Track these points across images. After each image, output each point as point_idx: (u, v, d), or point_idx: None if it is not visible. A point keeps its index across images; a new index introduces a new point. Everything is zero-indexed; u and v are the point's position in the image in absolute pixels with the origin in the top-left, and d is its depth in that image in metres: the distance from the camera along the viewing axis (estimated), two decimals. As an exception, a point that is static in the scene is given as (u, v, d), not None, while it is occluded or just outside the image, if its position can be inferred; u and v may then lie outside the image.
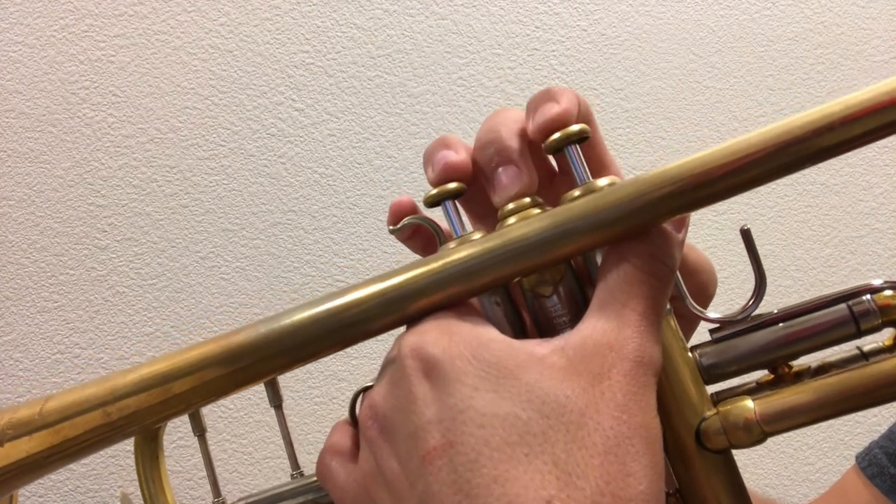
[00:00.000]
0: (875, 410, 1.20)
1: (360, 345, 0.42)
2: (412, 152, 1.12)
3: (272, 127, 1.09)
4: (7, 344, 1.01)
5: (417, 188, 1.11)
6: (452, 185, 0.43)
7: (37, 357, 1.01)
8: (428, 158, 0.45)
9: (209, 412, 1.01)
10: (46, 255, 1.02)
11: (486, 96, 1.15)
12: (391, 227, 0.46)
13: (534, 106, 0.43)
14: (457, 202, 0.44)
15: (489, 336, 0.37)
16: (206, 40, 1.09)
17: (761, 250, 0.40)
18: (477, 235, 0.41)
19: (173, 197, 1.06)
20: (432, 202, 0.44)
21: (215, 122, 1.08)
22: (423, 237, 0.48)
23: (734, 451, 0.39)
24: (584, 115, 0.44)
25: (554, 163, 0.42)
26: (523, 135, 0.43)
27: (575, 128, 0.42)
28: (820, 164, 0.36)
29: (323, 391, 1.06)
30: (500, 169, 0.43)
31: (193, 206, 1.06)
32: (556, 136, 0.42)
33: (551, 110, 0.42)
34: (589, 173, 0.41)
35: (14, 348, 1.01)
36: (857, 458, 0.72)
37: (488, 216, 0.46)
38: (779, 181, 0.37)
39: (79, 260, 1.03)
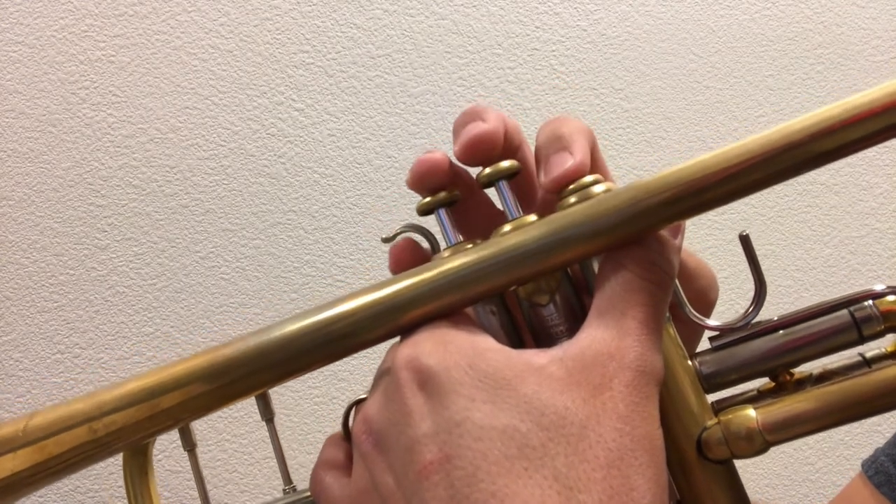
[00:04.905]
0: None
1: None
2: (412, 152, 1.12)
3: (272, 127, 1.09)
4: (7, 344, 1.00)
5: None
6: (447, 194, 0.43)
7: (37, 357, 1.01)
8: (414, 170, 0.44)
9: (209, 412, 1.01)
10: (46, 255, 1.02)
11: (486, 96, 1.15)
12: (384, 237, 0.45)
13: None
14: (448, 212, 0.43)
15: (485, 345, 0.36)
16: (206, 40, 1.09)
17: (762, 250, 0.39)
18: (470, 245, 0.41)
19: (173, 197, 1.06)
20: (425, 210, 0.43)
21: (215, 122, 1.08)
22: (415, 257, 0.46)
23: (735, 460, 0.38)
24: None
25: (543, 176, 0.41)
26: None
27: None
28: (819, 164, 0.36)
29: (323, 391, 1.06)
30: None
31: (193, 206, 1.06)
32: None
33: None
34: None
35: (14, 348, 1.01)
36: (862, 465, 0.71)
37: (485, 233, 0.45)
38: (778, 180, 0.36)
39: (79, 260, 1.03)
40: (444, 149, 0.44)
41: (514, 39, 1.17)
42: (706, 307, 0.46)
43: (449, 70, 1.15)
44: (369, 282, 1.07)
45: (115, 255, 1.04)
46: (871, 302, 0.38)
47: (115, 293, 1.03)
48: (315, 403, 1.06)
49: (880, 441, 0.71)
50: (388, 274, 0.42)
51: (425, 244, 0.45)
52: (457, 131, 0.43)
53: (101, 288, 1.03)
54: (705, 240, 1.15)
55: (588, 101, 1.18)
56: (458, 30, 1.16)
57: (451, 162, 0.44)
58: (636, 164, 1.18)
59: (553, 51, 1.18)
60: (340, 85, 1.12)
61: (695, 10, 1.23)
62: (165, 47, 1.08)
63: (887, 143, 0.35)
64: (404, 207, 1.11)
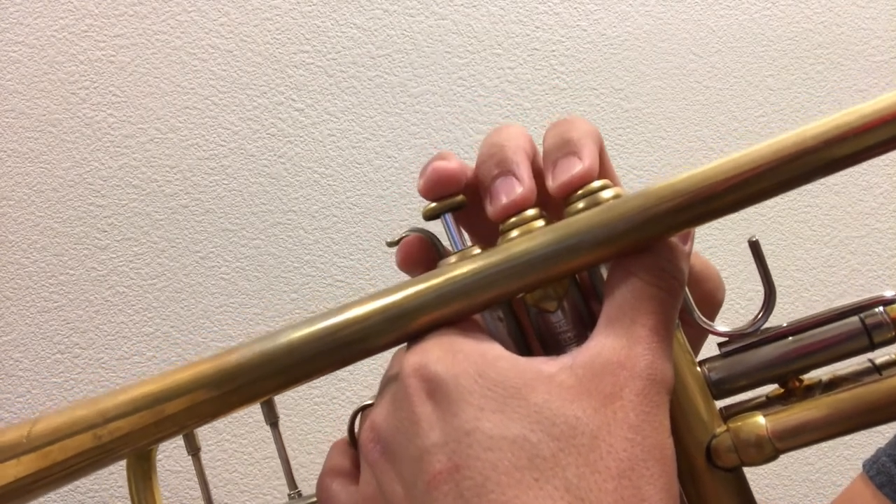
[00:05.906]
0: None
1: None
2: (412, 152, 1.12)
3: (272, 127, 1.09)
4: (7, 344, 1.00)
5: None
6: (453, 199, 0.42)
7: (37, 357, 1.01)
8: (421, 171, 0.44)
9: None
10: (46, 255, 1.02)
11: (486, 96, 1.15)
12: (389, 241, 0.45)
13: (553, 160, 0.42)
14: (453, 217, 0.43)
15: (494, 353, 0.36)
16: (206, 40, 1.09)
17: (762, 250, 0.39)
18: (477, 250, 0.40)
19: (173, 197, 1.06)
20: (431, 215, 0.43)
21: (215, 122, 1.08)
22: (423, 252, 0.46)
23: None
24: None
25: (551, 181, 0.41)
26: (526, 150, 0.42)
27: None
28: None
29: (323, 391, 1.06)
30: (498, 180, 0.41)
31: (193, 206, 1.06)
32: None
33: (574, 167, 0.41)
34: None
35: (14, 348, 1.00)
36: (864, 465, 0.70)
37: (491, 237, 0.44)
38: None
39: (79, 260, 1.03)
40: (445, 148, 0.44)
41: (514, 39, 1.17)
42: (713, 308, 0.46)
43: (449, 70, 1.15)
44: (369, 282, 1.08)
45: (115, 255, 1.04)
46: (881, 308, 0.38)
47: (115, 293, 1.03)
48: (315, 404, 1.06)
49: (881, 441, 0.71)
50: (388, 274, 0.41)
51: None
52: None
53: (101, 288, 1.03)
54: (706, 240, 1.15)
55: (588, 101, 1.18)
56: (458, 30, 1.15)
57: (465, 170, 0.43)
58: (636, 164, 1.18)
59: (553, 51, 1.18)
60: (340, 85, 1.12)
61: (695, 10, 1.23)
62: (165, 47, 1.08)
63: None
64: (404, 207, 1.10)
